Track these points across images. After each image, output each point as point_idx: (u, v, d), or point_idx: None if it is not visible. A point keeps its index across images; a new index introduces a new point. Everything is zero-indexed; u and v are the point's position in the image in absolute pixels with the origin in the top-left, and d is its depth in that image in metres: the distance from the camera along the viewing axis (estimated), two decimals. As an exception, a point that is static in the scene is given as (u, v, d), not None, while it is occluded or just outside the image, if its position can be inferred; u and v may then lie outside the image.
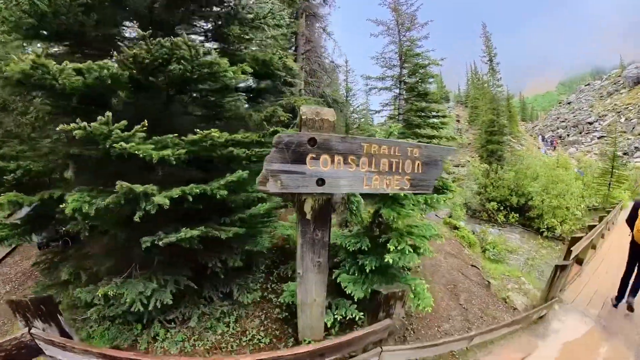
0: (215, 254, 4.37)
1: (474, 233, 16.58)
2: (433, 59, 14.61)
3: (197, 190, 3.45)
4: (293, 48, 13.09)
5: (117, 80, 3.33)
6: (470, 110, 42.68)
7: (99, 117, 2.94)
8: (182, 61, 3.45)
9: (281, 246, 6.55)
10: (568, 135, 44.80)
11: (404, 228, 4.88)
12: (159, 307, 3.85)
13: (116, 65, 3.31)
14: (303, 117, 3.06)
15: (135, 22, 4.02)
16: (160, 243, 3.44)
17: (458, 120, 42.88)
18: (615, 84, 49.84)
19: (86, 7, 3.58)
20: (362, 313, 4.33)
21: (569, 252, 6.75)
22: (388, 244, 4.24)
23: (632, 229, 5.13)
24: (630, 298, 5.31)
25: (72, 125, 2.87)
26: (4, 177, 3.65)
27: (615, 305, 5.59)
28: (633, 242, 5.15)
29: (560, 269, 5.88)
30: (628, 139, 37.05)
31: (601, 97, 50.03)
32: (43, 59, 2.93)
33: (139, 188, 3.09)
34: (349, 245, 4.64)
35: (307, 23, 14.01)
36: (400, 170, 3.47)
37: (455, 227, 13.10)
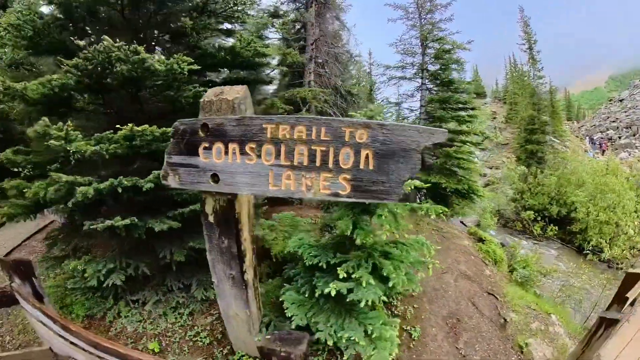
0: (168, 246, 4.67)
1: (503, 246, 14.57)
2: (459, 43, 12.64)
3: (127, 183, 3.73)
4: (304, 39, 12.28)
5: (66, 88, 4.02)
6: (508, 106, 39.39)
7: (42, 120, 3.62)
8: (120, 62, 3.78)
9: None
10: (619, 137, 40.26)
11: (379, 247, 3.89)
12: (117, 284, 4.41)
13: (56, 75, 3.96)
14: (202, 99, 2.69)
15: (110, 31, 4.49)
16: (97, 227, 3.80)
17: (494, 118, 39.73)
18: None
19: (62, 26, 4.56)
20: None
21: (620, 296, 4.49)
22: (338, 269, 3.39)
23: None
24: None
25: (29, 129, 3.77)
26: (17, 168, 4.54)
27: None
28: None
29: (606, 323, 4.16)
30: None
31: None
32: (8, 83, 3.83)
33: (63, 178, 3.62)
34: (307, 258, 3.89)
35: (320, 12, 13.00)
36: (330, 165, 2.40)
37: (481, 240, 11.24)
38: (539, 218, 18.71)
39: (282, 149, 2.45)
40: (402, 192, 2.34)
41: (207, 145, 2.62)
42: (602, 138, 39.58)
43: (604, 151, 34.18)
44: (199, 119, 2.64)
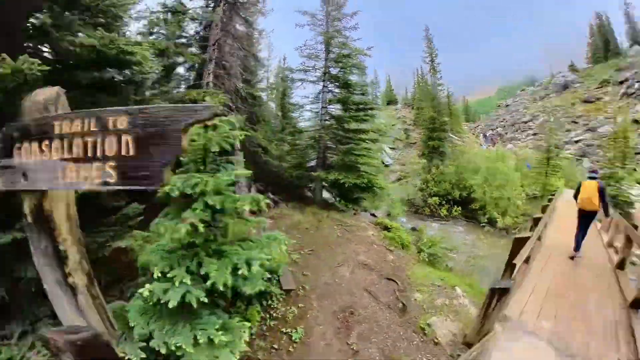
0: (24, 265, 3.88)
1: (414, 230, 15.53)
2: (359, 48, 13.56)
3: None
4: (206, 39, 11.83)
5: None
6: (415, 111, 43.55)
7: None
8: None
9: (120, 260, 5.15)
10: (506, 133, 47.90)
11: (214, 245, 3.59)
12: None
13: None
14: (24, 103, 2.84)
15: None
16: None
17: (405, 121, 43.60)
18: (545, 89, 55.38)
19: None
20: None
21: (511, 265, 5.14)
22: (155, 268, 3.26)
23: (577, 199, 6.96)
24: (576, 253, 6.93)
25: None
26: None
27: (572, 258, 6.88)
28: (579, 210, 6.93)
29: (498, 293, 4.38)
30: (557, 134, 39.86)
31: (534, 100, 54.48)
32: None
33: None
34: (156, 265, 3.54)
35: (227, 13, 12.68)
36: (99, 154, 2.49)
37: (387, 228, 11.70)
38: (444, 202, 20.66)
39: (66, 143, 2.57)
40: (163, 177, 2.33)
41: (19, 145, 2.76)
42: (493, 134, 46.06)
43: (495, 144, 39.62)
44: (15, 122, 2.79)
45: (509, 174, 19.62)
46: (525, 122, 47.61)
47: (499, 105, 66.32)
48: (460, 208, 20.35)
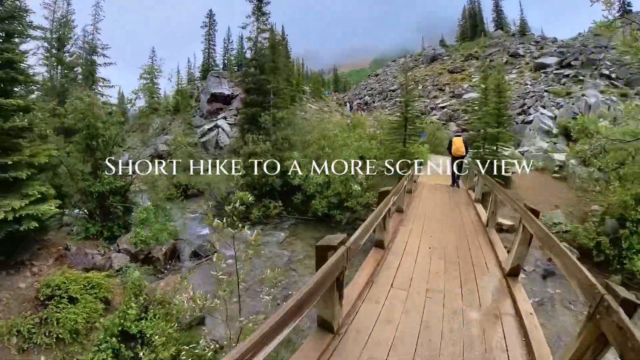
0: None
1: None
2: None
3: None
4: None
5: None
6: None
7: None
8: None
9: None
10: (374, 101, 45.37)
11: None
12: None
13: None
14: None
15: None
16: None
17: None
18: (416, 60, 57.72)
19: None
20: None
21: None
22: None
23: (450, 150, 10.95)
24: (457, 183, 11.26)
25: None
26: None
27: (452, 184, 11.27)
28: (452, 157, 11.03)
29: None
30: (424, 101, 39.18)
31: (404, 70, 54.80)
32: None
33: None
34: None
35: None
36: None
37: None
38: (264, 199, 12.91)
39: None
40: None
41: None
42: (360, 103, 42.34)
43: (360, 112, 35.59)
44: None
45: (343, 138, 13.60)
46: (393, 91, 46.82)
47: (369, 76, 65.26)
48: (281, 204, 12.92)
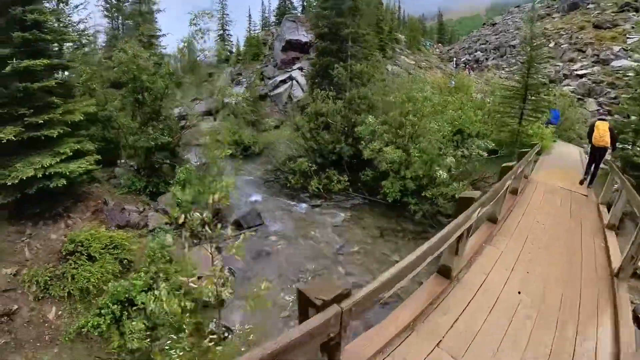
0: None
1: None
2: None
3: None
4: None
5: None
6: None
7: None
8: None
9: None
10: (487, 59, 37.61)
11: None
12: None
13: None
14: None
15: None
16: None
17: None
18: (549, 7, 45.16)
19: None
20: None
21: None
22: None
23: (590, 138, 8.30)
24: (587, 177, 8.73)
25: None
26: None
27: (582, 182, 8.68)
28: (592, 146, 8.27)
29: None
30: (556, 65, 31.50)
31: (530, 20, 43.94)
32: None
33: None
34: None
35: None
36: None
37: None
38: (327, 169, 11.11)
39: None
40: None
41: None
42: (467, 60, 35.70)
43: (470, 72, 29.96)
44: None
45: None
46: (514, 47, 38.13)
47: (484, 24, 55.01)
48: (347, 178, 10.97)
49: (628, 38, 29.52)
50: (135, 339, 5.32)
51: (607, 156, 9.30)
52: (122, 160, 9.82)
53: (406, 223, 9.59)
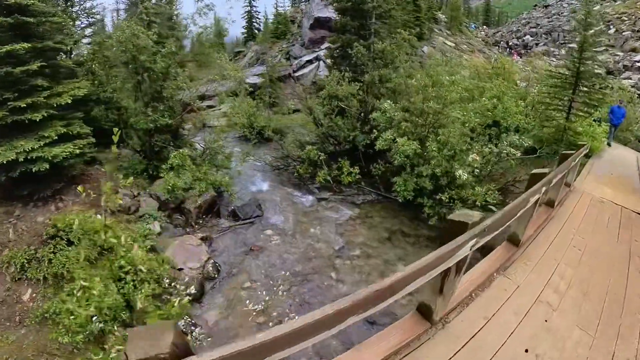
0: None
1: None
2: None
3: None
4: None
5: None
6: None
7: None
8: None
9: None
10: (537, 44, 34.21)
11: None
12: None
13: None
14: None
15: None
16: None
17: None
18: None
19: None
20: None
21: None
22: None
23: None
24: None
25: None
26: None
27: None
28: None
29: None
30: (616, 55, 28.47)
31: (588, 2, 39.46)
32: None
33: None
34: None
35: None
36: None
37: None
38: (340, 158, 10.33)
39: None
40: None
41: None
42: (515, 44, 32.70)
43: (515, 58, 27.44)
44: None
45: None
46: (569, 32, 34.68)
47: (536, 6, 50.03)
48: (358, 169, 10.07)
49: None
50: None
51: None
52: (123, 144, 9.55)
53: (420, 227, 8.58)
